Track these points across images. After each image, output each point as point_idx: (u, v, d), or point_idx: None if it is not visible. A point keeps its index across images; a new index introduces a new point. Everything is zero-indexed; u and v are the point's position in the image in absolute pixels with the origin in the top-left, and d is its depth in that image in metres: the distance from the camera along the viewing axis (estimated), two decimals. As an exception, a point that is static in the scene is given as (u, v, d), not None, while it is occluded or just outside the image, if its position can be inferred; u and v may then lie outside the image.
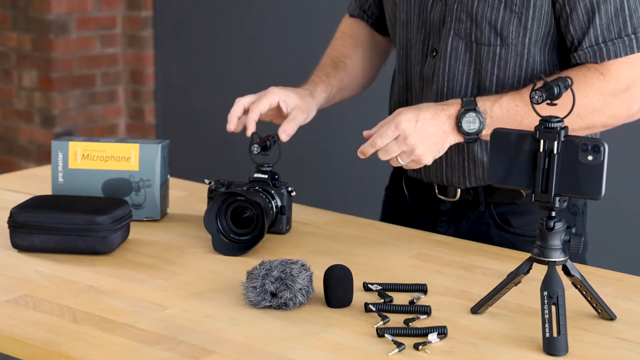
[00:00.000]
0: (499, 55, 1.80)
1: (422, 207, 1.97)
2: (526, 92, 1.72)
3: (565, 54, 1.82)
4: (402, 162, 1.73)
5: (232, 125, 1.85)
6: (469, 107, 1.73)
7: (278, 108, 1.88)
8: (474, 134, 1.73)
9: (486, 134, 1.73)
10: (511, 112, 1.73)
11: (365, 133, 1.76)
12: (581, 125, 1.74)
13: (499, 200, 1.89)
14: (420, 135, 1.71)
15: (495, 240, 1.89)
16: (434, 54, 1.85)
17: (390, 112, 2.03)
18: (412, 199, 1.99)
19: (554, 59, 1.83)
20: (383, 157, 1.73)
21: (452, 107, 1.74)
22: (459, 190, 1.89)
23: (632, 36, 1.74)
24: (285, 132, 1.84)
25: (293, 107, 1.87)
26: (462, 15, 1.80)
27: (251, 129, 1.84)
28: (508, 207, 1.89)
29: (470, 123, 1.73)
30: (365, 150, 1.74)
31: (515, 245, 1.86)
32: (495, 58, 1.80)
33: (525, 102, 1.72)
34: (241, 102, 1.86)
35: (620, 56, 1.74)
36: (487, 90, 1.82)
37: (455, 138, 1.74)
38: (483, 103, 1.74)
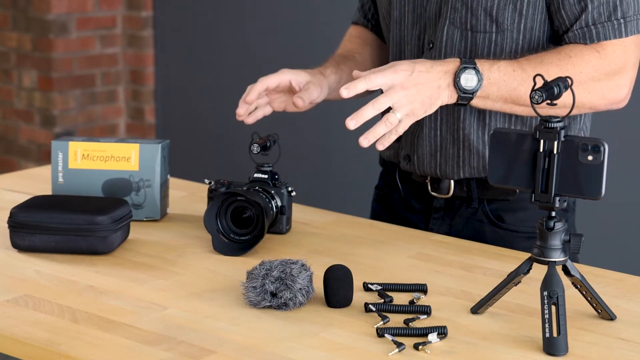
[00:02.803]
0: (494, 42, 1.81)
1: (413, 205, 1.97)
2: (525, 61, 1.73)
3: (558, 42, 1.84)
4: (399, 114, 1.65)
5: (241, 109, 1.86)
6: (468, 64, 1.71)
7: (289, 90, 1.90)
8: (470, 92, 1.70)
9: (480, 95, 1.71)
10: (508, 76, 1.72)
11: (355, 73, 1.71)
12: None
13: (492, 196, 1.89)
14: (416, 87, 1.66)
15: (488, 237, 1.89)
16: (431, 46, 1.86)
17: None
18: (404, 197, 1.98)
19: (549, 48, 1.83)
20: (379, 105, 1.64)
21: (450, 63, 1.71)
22: (452, 186, 1.89)
23: (622, 20, 1.76)
24: (301, 98, 1.85)
25: (305, 82, 1.88)
26: (457, 4, 1.81)
27: (252, 98, 1.85)
28: (501, 204, 1.89)
29: (468, 80, 1.70)
30: (355, 86, 1.65)
31: (508, 241, 1.86)
32: (491, 45, 1.81)
33: (523, 69, 1.72)
34: (252, 87, 1.87)
35: (609, 38, 1.76)
36: None
37: (448, 95, 1.70)
38: (482, 64, 1.72)
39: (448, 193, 1.90)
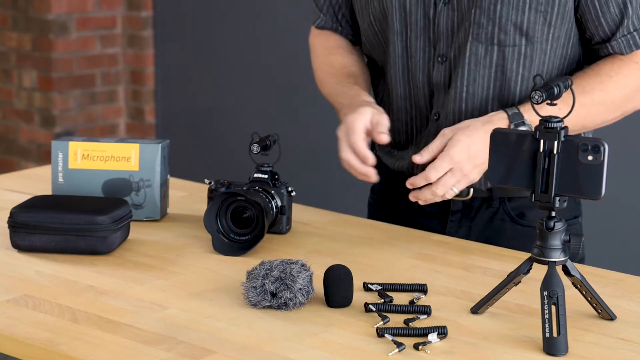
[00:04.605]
0: (524, 55, 1.81)
1: (426, 209, 1.95)
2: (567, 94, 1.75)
3: (586, 48, 1.86)
4: (457, 190, 1.72)
5: (372, 174, 1.75)
6: (517, 120, 1.73)
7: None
8: None
9: None
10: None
11: (417, 159, 1.73)
12: (617, 115, 1.81)
13: (513, 194, 1.88)
14: (473, 161, 1.71)
15: (509, 234, 1.88)
16: (444, 59, 1.83)
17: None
18: (417, 203, 1.96)
19: (575, 53, 1.85)
20: (440, 191, 1.71)
21: (497, 121, 1.74)
22: (472, 190, 1.89)
23: None
24: (384, 133, 1.75)
25: (377, 116, 1.78)
26: (482, 19, 1.78)
27: (370, 158, 1.74)
28: (523, 201, 1.89)
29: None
30: (417, 183, 1.73)
31: (530, 237, 1.85)
32: (521, 58, 1.81)
33: (566, 103, 1.73)
34: (356, 148, 1.75)
35: None
36: (511, 91, 1.81)
37: None
38: (528, 114, 1.74)
39: (467, 195, 1.89)
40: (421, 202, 1.76)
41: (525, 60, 1.81)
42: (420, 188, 1.75)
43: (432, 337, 1.37)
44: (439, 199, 1.74)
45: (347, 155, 1.77)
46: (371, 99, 1.86)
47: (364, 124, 1.76)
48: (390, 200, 2.03)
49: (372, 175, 1.75)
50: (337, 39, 2.04)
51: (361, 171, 1.75)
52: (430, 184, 1.73)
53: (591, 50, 1.87)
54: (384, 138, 1.74)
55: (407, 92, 1.90)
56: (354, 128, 1.76)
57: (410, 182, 1.74)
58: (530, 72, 1.81)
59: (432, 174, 1.71)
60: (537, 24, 1.78)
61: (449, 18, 1.82)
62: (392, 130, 1.94)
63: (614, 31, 1.80)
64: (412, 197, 1.75)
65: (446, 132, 1.75)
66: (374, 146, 2.05)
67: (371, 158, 1.74)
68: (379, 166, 2.04)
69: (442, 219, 1.94)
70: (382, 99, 1.98)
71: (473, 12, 1.79)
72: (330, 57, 2.03)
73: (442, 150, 1.73)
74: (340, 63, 2.00)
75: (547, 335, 1.35)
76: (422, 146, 1.89)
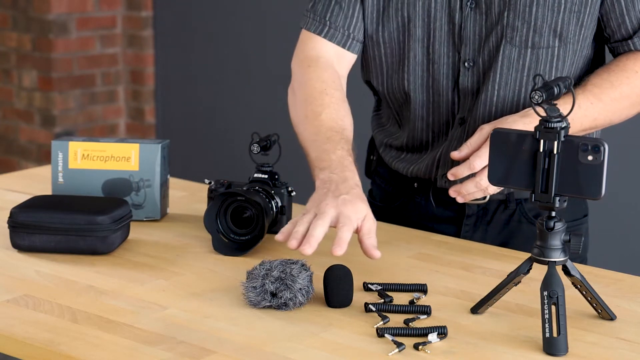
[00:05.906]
0: (557, 57, 1.81)
1: (439, 214, 1.93)
2: (596, 89, 1.76)
3: (600, 45, 1.88)
4: None
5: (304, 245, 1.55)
6: (555, 113, 1.72)
7: None
8: None
9: None
10: (588, 111, 1.74)
11: (455, 154, 1.70)
12: (637, 110, 1.82)
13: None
14: None
15: (525, 236, 1.88)
16: (471, 64, 1.82)
17: (383, 126, 2.01)
18: (430, 208, 1.95)
19: (591, 52, 1.87)
20: (485, 182, 1.65)
21: (535, 116, 1.69)
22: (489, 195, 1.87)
23: None
24: (373, 246, 1.59)
25: (363, 217, 1.61)
26: (516, 22, 1.78)
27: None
28: None
29: None
30: (460, 173, 1.67)
31: None
32: (554, 60, 1.81)
33: (598, 98, 1.75)
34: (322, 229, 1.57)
35: None
36: None
37: None
38: (563, 108, 1.73)
39: (484, 200, 1.88)
40: (460, 198, 1.69)
41: (557, 62, 1.81)
42: (461, 181, 1.70)
43: (432, 337, 1.37)
44: (480, 194, 1.68)
45: (321, 230, 1.56)
46: (359, 182, 1.69)
47: (357, 223, 1.59)
48: (397, 206, 2.01)
49: (293, 246, 1.56)
50: (332, 69, 1.89)
51: (300, 242, 1.56)
52: (473, 176, 1.68)
53: (599, 49, 1.89)
54: (376, 254, 1.58)
55: (425, 99, 1.88)
56: (350, 218, 1.58)
57: (452, 173, 1.68)
58: (561, 73, 1.81)
59: (476, 162, 1.66)
60: (570, 25, 1.79)
61: (476, 22, 1.81)
62: (407, 137, 1.93)
63: (637, 29, 1.81)
64: (452, 191, 1.69)
65: (485, 127, 1.71)
66: (375, 148, 2.05)
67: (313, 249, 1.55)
68: (383, 173, 2.04)
69: (457, 223, 1.93)
70: (391, 107, 1.97)
71: (506, 16, 1.78)
72: (325, 97, 1.84)
73: (481, 146, 1.69)
74: (333, 116, 1.82)
75: (547, 335, 1.35)
76: (440, 151, 1.88)
